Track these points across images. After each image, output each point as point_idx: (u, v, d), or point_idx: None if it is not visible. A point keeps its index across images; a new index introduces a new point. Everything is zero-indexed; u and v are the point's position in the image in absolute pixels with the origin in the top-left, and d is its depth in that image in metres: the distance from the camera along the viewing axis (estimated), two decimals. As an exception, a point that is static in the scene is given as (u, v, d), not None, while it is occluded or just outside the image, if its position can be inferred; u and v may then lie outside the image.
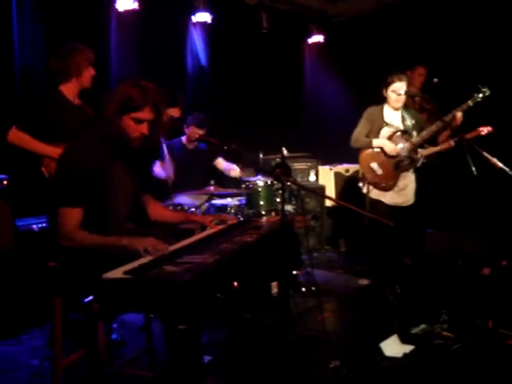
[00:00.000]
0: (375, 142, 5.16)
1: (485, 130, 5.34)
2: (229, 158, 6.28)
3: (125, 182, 3.23)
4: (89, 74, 4.34)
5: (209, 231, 3.54)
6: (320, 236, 7.27)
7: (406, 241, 5.27)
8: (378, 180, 5.16)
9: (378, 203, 5.16)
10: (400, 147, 5.09)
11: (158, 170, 5.83)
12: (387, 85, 5.10)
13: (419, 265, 5.38)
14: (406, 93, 5.08)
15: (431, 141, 5.47)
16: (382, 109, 5.22)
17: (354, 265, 6.56)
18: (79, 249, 2.95)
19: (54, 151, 3.99)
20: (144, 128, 3.12)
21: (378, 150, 5.17)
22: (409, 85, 5.16)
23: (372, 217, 3.91)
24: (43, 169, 4.21)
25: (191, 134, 5.87)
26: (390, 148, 5.11)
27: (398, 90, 5.06)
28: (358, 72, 8.02)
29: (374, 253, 5.41)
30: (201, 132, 5.90)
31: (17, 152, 4.24)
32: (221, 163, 6.31)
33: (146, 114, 3.10)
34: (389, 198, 5.15)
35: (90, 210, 3.04)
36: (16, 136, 4.15)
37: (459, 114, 4.98)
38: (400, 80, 5.06)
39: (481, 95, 4.91)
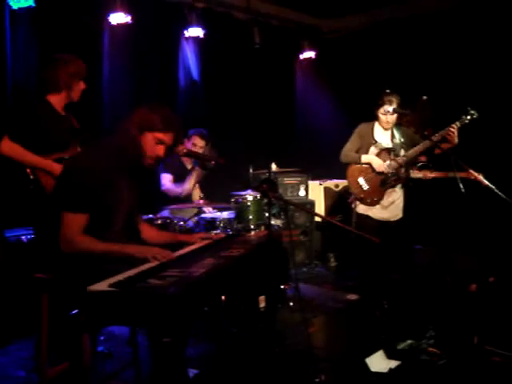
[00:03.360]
0: (364, 158, 5.23)
1: (475, 175, 5.38)
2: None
3: (126, 198, 3.26)
4: (79, 87, 4.30)
5: (196, 245, 3.56)
6: (309, 251, 7.27)
7: (394, 256, 5.31)
8: (363, 195, 5.22)
9: (365, 218, 5.21)
10: (387, 164, 5.15)
11: (169, 184, 5.84)
12: (378, 106, 5.17)
13: (407, 280, 5.41)
14: (395, 111, 5.13)
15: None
16: (373, 126, 5.29)
17: (343, 280, 6.58)
18: (74, 258, 2.97)
19: (48, 164, 3.99)
20: (161, 150, 3.20)
21: (366, 165, 5.23)
22: (399, 104, 5.19)
23: (357, 233, 3.94)
24: (28, 170, 4.18)
25: (180, 148, 5.85)
26: (378, 164, 5.16)
27: (388, 111, 5.13)
28: (348, 88, 8.07)
29: (362, 268, 5.44)
30: (201, 143, 5.92)
31: (4, 162, 4.24)
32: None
33: (167, 138, 3.19)
34: (376, 212, 5.20)
35: (90, 220, 3.06)
36: (8, 147, 4.13)
37: (453, 131, 5.01)
38: (390, 102, 5.12)
39: (469, 117, 5.00)
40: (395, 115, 5.17)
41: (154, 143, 3.16)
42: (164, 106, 3.24)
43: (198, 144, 5.89)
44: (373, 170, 5.22)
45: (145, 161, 3.20)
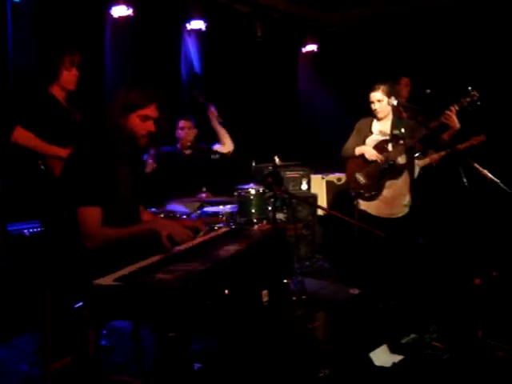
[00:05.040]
0: (357, 150, 5.20)
1: (477, 140, 5.34)
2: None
3: (128, 187, 3.25)
4: (70, 76, 4.29)
5: (199, 239, 3.54)
6: (311, 244, 7.26)
7: (398, 250, 5.28)
8: (362, 190, 5.18)
9: (365, 214, 5.18)
10: (383, 156, 5.09)
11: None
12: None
13: (410, 274, 5.39)
14: (380, 101, 5.08)
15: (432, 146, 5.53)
16: (372, 119, 5.25)
17: (345, 274, 6.56)
18: (79, 252, 2.96)
19: (61, 151, 3.99)
20: (151, 125, 3.18)
21: (362, 159, 5.19)
22: (390, 94, 5.13)
23: (362, 226, 3.92)
24: (39, 162, 4.18)
25: (184, 140, 5.87)
26: (370, 153, 5.12)
27: (372, 99, 5.10)
28: (351, 81, 8.04)
29: (364, 262, 5.42)
30: (188, 124, 5.94)
31: (8, 156, 4.23)
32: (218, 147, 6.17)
33: (151, 112, 3.17)
34: (374, 209, 5.16)
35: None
36: (21, 135, 4.11)
37: (451, 114, 4.88)
38: (375, 89, 5.09)
39: (468, 99, 4.77)
40: (383, 104, 5.11)
41: (140, 121, 3.15)
42: (132, 83, 3.23)
43: (185, 126, 5.93)
44: (369, 161, 5.17)
45: (140, 142, 3.20)
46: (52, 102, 4.25)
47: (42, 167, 4.16)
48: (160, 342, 2.55)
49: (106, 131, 3.18)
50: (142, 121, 3.15)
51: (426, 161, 6.07)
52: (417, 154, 5.78)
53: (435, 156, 5.97)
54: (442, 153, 5.75)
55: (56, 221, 3.06)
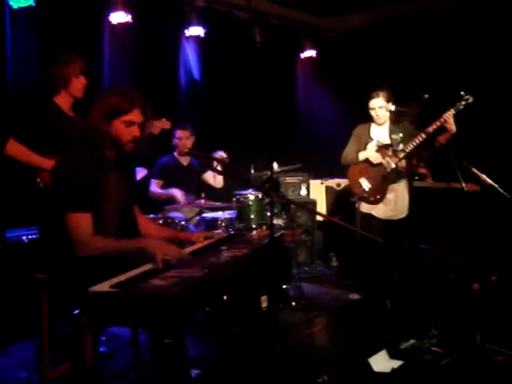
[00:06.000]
0: (361, 155, 5.21)
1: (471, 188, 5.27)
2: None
3: (115, 194, 3.20)
4: (79, 84, 4.29)
5: (198, 245, 3.54)
6: (311, 250, 7.25)
7: (398, 255, 5.28)
8: (366, 194, 5.19)
9: (369, 217, 5.18)
10: (386, 160, 5.10)
11: (155, 188, 5.85)
12: (367, 102, 5.17)
13: (410, 280, 5.39)
14: (381, 107, 5.11)
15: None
16: (370, 125, 5.28)
17: (345, 279, 6.56)
18: (75, 259, 2.95)
19: (52, 165, 3.99)
20: (135, 130, 3.15)
21: (365, 164, 5.21)
22: (389, 100, 5.16)
23: (361, 233, 3.92)
24: (38, 179, 4.19)
25: (181, 147, 5.85)
26: (375, 157, 5.13)
27: (374, 106, 5.12)
28: (350, 87, 8.05)
29: (365, 267, 5.42)
30: (186, 134, 5.92)
31: (5, 162, 4.22)
32: (210, 176, 6.27)
33: (136, 117, 3.13)
34: (379, 211, 5.17)
35: None
36: (14, 148, 4.10)
37: (449, 117, 4.91)
38: (374, 97, 5.11)
39: (463, 102, 4.83)
40: (383, 110, 5.14)
41: (125, 127, 3.12)
42: (113, 89, 3.21)
43: (182, 136, 5.91)
44: (372, 165, 5.18)
45: (125, 148, 3.17)
46: (56, 111, 4.24)
47: (41, 185, 4.15)
48: (156, 348, 2.54)
49: (90, 137, 3.15)
50: (127, 126, 3.12)
51: (416, 184, 6.04)
52: (416, 178, 5.83)
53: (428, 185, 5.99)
54: (439, 184, 5.77)
55: (50, 228, 3.05)
